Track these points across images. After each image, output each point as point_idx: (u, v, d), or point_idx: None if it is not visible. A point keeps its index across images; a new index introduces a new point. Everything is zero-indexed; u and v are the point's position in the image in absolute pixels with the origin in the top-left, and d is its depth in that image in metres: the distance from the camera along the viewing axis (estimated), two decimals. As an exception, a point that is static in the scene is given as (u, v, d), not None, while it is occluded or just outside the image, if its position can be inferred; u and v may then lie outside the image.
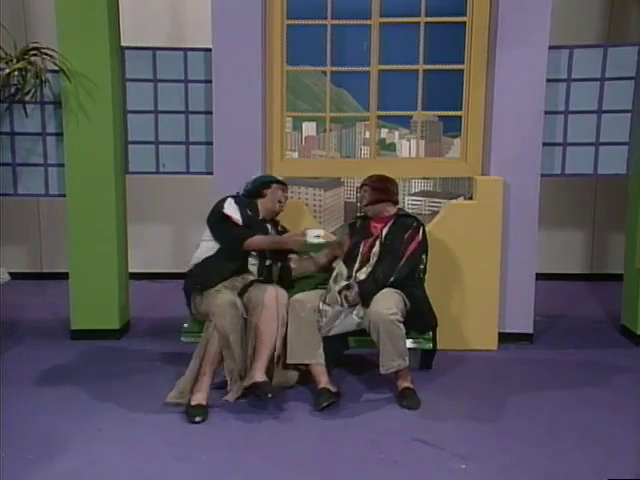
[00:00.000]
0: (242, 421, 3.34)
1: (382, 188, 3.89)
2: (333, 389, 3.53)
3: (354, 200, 6.46)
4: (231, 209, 3.71)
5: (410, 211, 6.07)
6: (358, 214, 4.16)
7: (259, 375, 3.40)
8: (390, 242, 3.74)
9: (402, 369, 3.53)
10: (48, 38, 4.32)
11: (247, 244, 3.65)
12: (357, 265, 3.74)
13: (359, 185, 4.03)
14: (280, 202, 3.89)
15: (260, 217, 3.83)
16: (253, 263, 3.73)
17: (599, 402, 3.61)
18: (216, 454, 3.04)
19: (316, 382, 3.55)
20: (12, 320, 4.86)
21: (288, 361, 3.56)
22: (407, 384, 3.59)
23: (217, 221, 3.72)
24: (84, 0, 4.21)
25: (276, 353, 3.53)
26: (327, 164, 4.89)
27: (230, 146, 4.34)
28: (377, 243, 3.76)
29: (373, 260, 3.73)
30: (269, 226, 3.88)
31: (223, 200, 3.76)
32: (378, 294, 3.56)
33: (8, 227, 5.89)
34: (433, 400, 3.59)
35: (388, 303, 3.49)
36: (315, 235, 3.65)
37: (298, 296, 3.65)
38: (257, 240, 3.66)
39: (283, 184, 3.95)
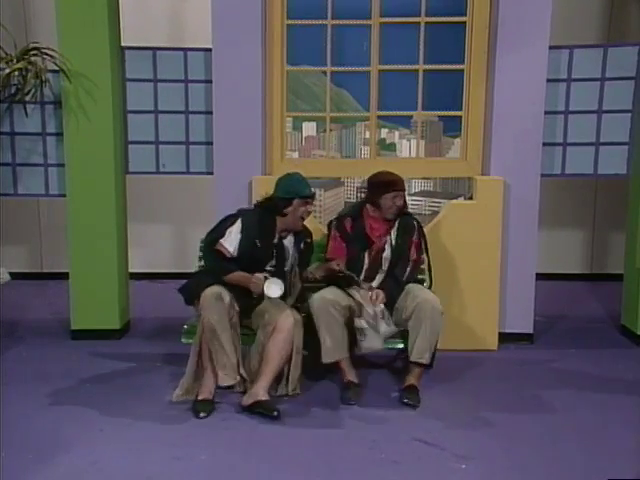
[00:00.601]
0: (242, 421, 3.34)
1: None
2: (357, 381, 3.60)
3: (354, 200, 6.46)
4: (229, 240, 3.55)
5: (410, 211, 6.09)
6: (343, 212, 3.93)
7: (262, 393, 3.39)
8: (402, 245, 3.75)
9: (422, 365, 3.57)
10: (48, 38, 4.32)
11: (226, 279, 3.52)
12: (364, 274, 3.71)
13: (396, 188, 3.76)
14: (303, 218, 3.66)
15: (276, 239, 3.64)
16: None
17: (599, 402, 3.61)
18: (216, 454, 3.03)
19: (342, 375, 3.60)
20: (12, 320, 4.86)
21: (323, 361, 3.54)
22: (414, 382, 3.61)
23: (208, 248, 3.62)
24: (84, 0, 4.21)
25: (292, 374, 3.53)
26: (327, 164, 4.89)
27: (230, 146, 4.34)
28: (387, 248, 3.74)
29: (385, 266, 3.73)
30: (287, 243, 3.67)
31: (232, 222, 3.59)
32: (419, 287, 3.66)
33: (8, 227, 5.88)
34: (433, 400, 3.59)
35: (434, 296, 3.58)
36: (273, 289, 3.43)
37: (327, 294, 3.56)
38: (231, 276, 3.52)
39: (308, 197, 3.64)
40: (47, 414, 3.41)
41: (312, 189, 3.70)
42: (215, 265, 3.59)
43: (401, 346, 3.64)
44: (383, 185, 3.76)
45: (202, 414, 3.34)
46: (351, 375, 3.62)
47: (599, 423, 3.37)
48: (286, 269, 3.69)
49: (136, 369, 4.02)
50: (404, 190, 3.80)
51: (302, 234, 3.75)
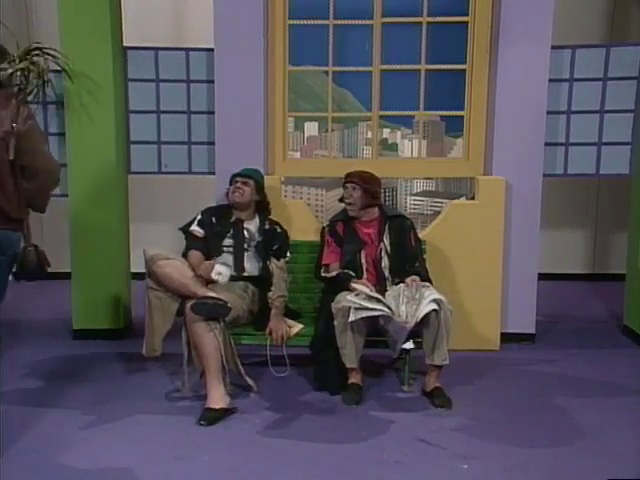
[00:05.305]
0: (243, 421, 3.34)
1: (374, 192, 3.85)
2: (361, 384, 3.60)
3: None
4: (194, 223, 3.89)
5: (412, 211, 6.09)
6: (334, 218, 3.96)
7: (214, 401, 3.36)
8: (400, 247, 3.77)
9: (443, 366, 3.55)
10: (50, 38, 4.33)
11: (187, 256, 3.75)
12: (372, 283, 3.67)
13: (345, 180, 3.88)
14: (234, 193, 3.86)
15: (232, 218, 3.85)
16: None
17: (600, 402, 3.61)
18: (217, 454, 3.04)
19: (348, 377, 3.59)
20: (14, 320, 4.85)
21: (347, 365, 3.51)
22: (438, 383, 3.60)
23: (183, 232, 3.94)
24: (86, 0, 4.21)
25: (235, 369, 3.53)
26: (329, 164, 4.87)
27: (232, 146, 4.34)
28: (383, 256, 3.76)
29: (387, 274, 3.74)
30: (251, 226, 3.85)
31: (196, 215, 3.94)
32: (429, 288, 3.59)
33: (10, 227, 5.88)
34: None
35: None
36: (218, 272, 3.64)
37: (353, 298, 3.47)
38: (190, 258, 3.72)
39: (235, 176, 3.92)
40: (48, 414, 3.41)
41: (242, 171, 3.93)
42: (186, 245, 3.85)
43: (409, 346, 3.59)
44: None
45: (202, 422, 3.28)
46: (357, 378, 3.61)
47: (600, 423, 3.37)
48: (246, 246, 3.81)
49: (137, 369, 4.02)
50: (358, 182, 3.81)
51: (267, 219, 3.92)
